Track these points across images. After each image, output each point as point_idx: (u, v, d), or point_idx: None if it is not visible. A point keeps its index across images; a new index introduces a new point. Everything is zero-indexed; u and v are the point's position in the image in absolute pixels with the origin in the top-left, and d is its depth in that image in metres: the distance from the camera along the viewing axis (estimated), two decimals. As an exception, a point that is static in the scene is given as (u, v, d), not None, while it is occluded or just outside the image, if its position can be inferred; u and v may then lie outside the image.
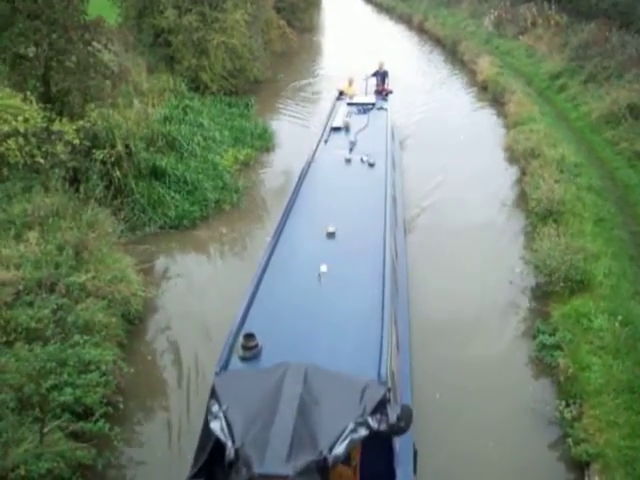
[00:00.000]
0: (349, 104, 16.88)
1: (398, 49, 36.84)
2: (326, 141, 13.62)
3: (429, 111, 23.85)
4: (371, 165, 11.84)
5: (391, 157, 12.99)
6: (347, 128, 14.36)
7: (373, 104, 16.94)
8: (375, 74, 20.68)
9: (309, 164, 12.02)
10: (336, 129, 14.35)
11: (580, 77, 23.38)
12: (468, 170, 17.87)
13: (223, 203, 15.59)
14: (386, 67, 20.59)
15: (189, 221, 14.76)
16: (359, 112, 16.07)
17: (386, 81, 20.44)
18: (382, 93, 19.67)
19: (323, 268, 7.80)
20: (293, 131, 21.99)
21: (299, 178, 11.30)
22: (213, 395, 5.76)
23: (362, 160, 12.03)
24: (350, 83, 19.34)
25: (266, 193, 17.02)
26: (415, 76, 29.84)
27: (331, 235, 8.84)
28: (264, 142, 20.21)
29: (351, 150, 12.74)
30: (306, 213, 9.92)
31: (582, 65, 23.82)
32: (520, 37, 31.14)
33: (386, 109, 16.82)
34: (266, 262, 8.25)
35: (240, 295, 7.64)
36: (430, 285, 11.89)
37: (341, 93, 19.19)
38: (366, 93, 19.97)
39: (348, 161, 12.08)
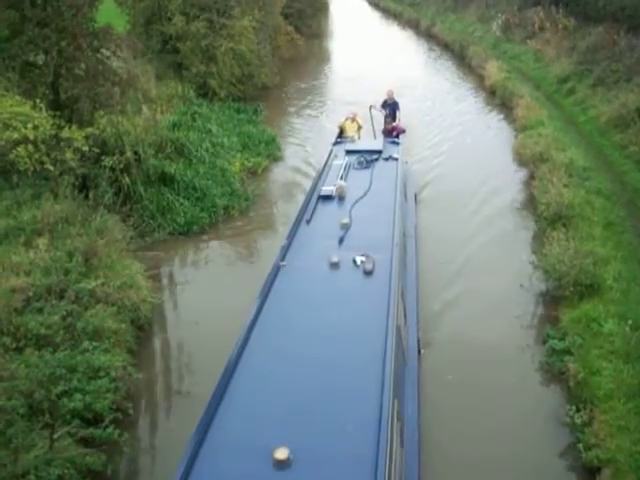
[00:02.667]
0: (348, 152, 13.19)
1: (406, 54, 36.92)
2: (308, 220, 9.93)
3: (434, 114, 23.86)
4: (368, 273, 8.17)
5: (401, 247, 9.46)
6: (341, 196, 10.78)
7: (380, 152, 13.09)
8: (383, 105, 17.73)
9: (277, 270, 8.34)
10: (325, 198, 10.78)
11: (588, 81, 23.31)
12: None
13: (232, 210, 15.59)
14: (396, 97, 18.00)
15: (198, 227, 14.78)
16: (360, 166, 12.39)
17: (397, 115, 17.44)
18: (392, 133, 16.49)
19: None
20: (301, 136, 22.07)
21: (257, 305, 7.52)
22: None
23: (355, 263, 8.41)
24: (353, 119, 16.45)
25: (275, 199, 17.01)
26: (424, 82, 29.85)
27: (281, 465, 5.10)
28: (272, 148, 20.22)
29: (342, 240, 9.13)
30: (247, 410, 5.90)
31: (590, 69, 23.75)
32: (528, 41, 31.08)
33: (397, 158, 12.92)
34: None
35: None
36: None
37: (341, 132, 16.20)
38: (374, 133, 17.43)
39: (335, 265, 8.34)
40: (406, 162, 15.07)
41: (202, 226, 14.87)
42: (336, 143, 14.73)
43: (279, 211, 16.17)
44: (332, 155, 13.34)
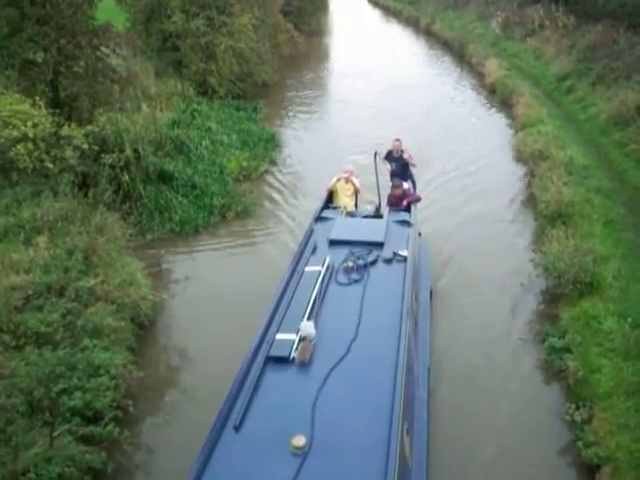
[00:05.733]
0: (333, 243, 9.09)
1: (405, 52, 36.92)
2: (237, 426, 5.70)
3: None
4: None
5: None
6: (303, 360, 6.44)
7: (380, 245, 8.97)
8: (388, 157, 13.07)
9: None
10: (278, 361, 6.52)
11: (588, 79, 23.31)
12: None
13: (227, 210, 15.38)
14: (405, 146, 13.19)
15: (196, 226, 14.73)
16: (347, 276, 8.19)
17: (410, 172, 12.93)
18: (401, 202, 11.61)
19: None
20: (300, 133, 22.10)
21: None
22: None
23: None
24: (347, 179, 11.96)
25: (273, 200, 16.84)
26: (423, 80, 29.85)
27: None
28: (271, 146, 20.17)
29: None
30: None
31: (590, 67, 23.76)
32: (527, 39, 31.12)
33: (405, 258, 8.64)
34: None
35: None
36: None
37: (330, 198, 11.91)
38: (379, 198, 12.44)
39: None
40: (419, 234, 11.36)
41: (200, 224, 14.80)
42: (318, 218, 10.39)
43: (277, 212, 15.99)
44: (308, 245, 9.13)
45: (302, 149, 20.30)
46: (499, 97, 25.58)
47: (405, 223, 10.17)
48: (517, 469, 8.16)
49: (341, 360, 6.49)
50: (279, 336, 6.77)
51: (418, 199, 12.07)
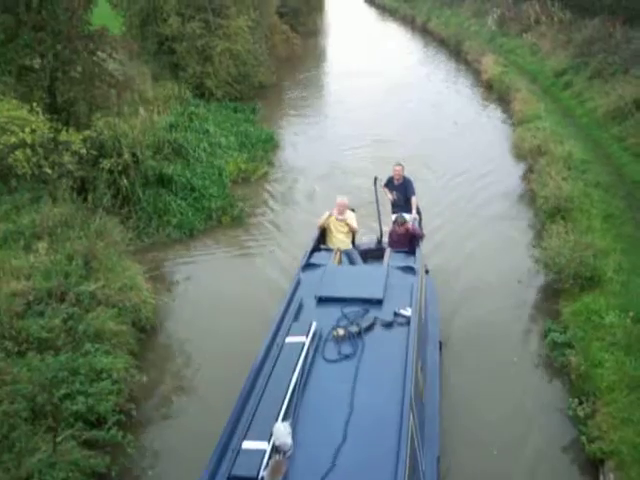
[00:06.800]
0: (322, 301, 7.61)
1: (402, 51, 36.94)
2: None
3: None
4: None
5: None
6: None
7: (379, 303, 7.53)
8: (389, 185, 11.47)
9: None
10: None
11: (585, 73, 23.30)
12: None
13: (224, 214, 15.30)
14: (407, 173, 11.63)
15: (195, 229, 14.72)
16: (337, 348, 6.70)
17: (413, 201, 11.19)
18: (404, 243, 10.25)
19: None
20: (298, 134, 22.13)
21: None
22: None
23: None
24: (341, 210, 10.21)
25: (271, 203, 16.78)
26: (419, 78, 29.85)
27: None
28: (270, 146, 20.19)
29: None
30: None
31: (587, 61, 23.73)
32: (524, 35, 31.10)
33: (408, 319, 7.19)
34: None
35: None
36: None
37: (322, 237, 10.28)
38: (380, 231, 11.30)
39: None
40: (426, 271, 10.22)
41: (199, 228, 14.79)
42: (307, 265, 8.87)
43: (274, 216, 15.94)
44: (292, 304, 7.62)
45: (300, 150, 20.30)
46: (496, 93, 25.58)
47: (409, 270, 8.57)
48: (520, 466, 8.15)
49: (324, 478, 5.04)
50: (246, 445, 5.29)
51: (421, 236, 10.53)
